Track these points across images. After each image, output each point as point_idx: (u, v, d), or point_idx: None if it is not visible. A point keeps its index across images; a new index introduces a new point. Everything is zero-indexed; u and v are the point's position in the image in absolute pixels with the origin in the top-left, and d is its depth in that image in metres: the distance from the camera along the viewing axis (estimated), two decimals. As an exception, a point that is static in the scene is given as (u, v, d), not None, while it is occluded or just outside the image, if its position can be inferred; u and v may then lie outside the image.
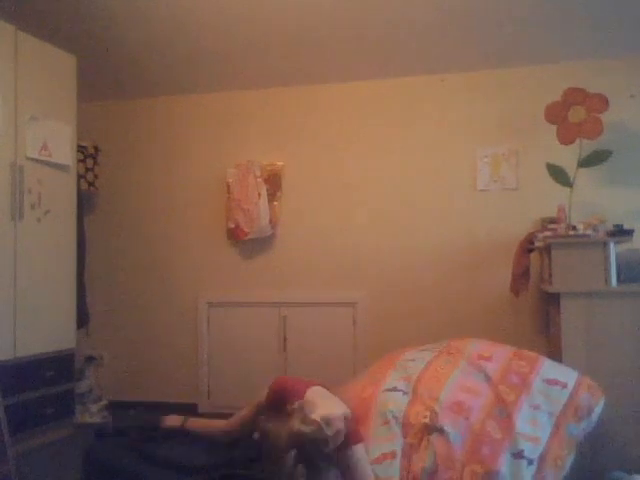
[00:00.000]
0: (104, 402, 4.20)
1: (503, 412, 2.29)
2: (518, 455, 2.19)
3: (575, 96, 3.51)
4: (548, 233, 3.30)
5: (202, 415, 4.16)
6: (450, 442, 2.18)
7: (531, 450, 2.21)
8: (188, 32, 3.85)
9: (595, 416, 2.43)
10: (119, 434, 2.48)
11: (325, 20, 3.67)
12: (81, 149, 4.26)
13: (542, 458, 2.22)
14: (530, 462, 2.19)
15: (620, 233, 3.17)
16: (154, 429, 2.51)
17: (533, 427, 2.28)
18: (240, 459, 2.09)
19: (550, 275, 3.17)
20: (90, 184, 4.46)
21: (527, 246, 3.63)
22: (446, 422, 2.23)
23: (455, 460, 2.14)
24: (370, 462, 2.16)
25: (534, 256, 3.71)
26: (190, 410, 4.25)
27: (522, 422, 2.27)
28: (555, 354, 3.28)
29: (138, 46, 4.02)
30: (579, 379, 2.52)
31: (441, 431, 2.21)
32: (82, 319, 4.01)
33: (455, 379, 2.45)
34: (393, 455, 2.19)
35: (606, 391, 2.92)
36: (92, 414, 4.10)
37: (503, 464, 2.15)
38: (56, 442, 3.53)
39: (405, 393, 2.39)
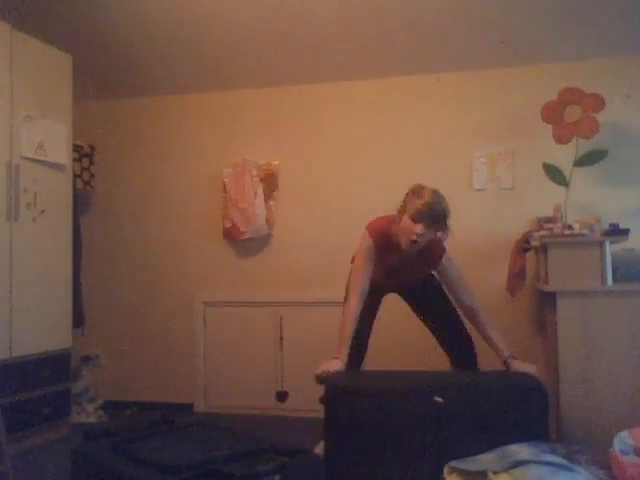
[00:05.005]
0: (100, 402, 4.20)
1: None
2: None
3: (571, 96, 3.51)
4: (544, 232, 3.30)
5: (198, 415, 4.18)
6: None
7: None
8: (184, 31, 3.85)
9: None
10: (107, 434, 2.48)
11: (322, 20, 3.68)
12: (77, 148, 4.25)
13: None
14: None
15: (616, 232, 3.16)
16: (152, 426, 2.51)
17: None
18: (223, 456, 2.10)
19: (546, 274, 3.17)
20: (86, 183, 4.45)
21: (523, 245, 3.64)
22: None
23: None
24: None
25: (530, 255, 3.71)
26: (186, 410, 4.26)
27: None
28: (551, 353, 3.29)
29: (134, 45, 4.01)
30: None
31: None
32: (78, 319, 4.01)
33: None
34: None
35: (603, 390, 2.93)
36: (88, 414, 4.09)
37: None
38: (52, 442, 3.53)
39: None
